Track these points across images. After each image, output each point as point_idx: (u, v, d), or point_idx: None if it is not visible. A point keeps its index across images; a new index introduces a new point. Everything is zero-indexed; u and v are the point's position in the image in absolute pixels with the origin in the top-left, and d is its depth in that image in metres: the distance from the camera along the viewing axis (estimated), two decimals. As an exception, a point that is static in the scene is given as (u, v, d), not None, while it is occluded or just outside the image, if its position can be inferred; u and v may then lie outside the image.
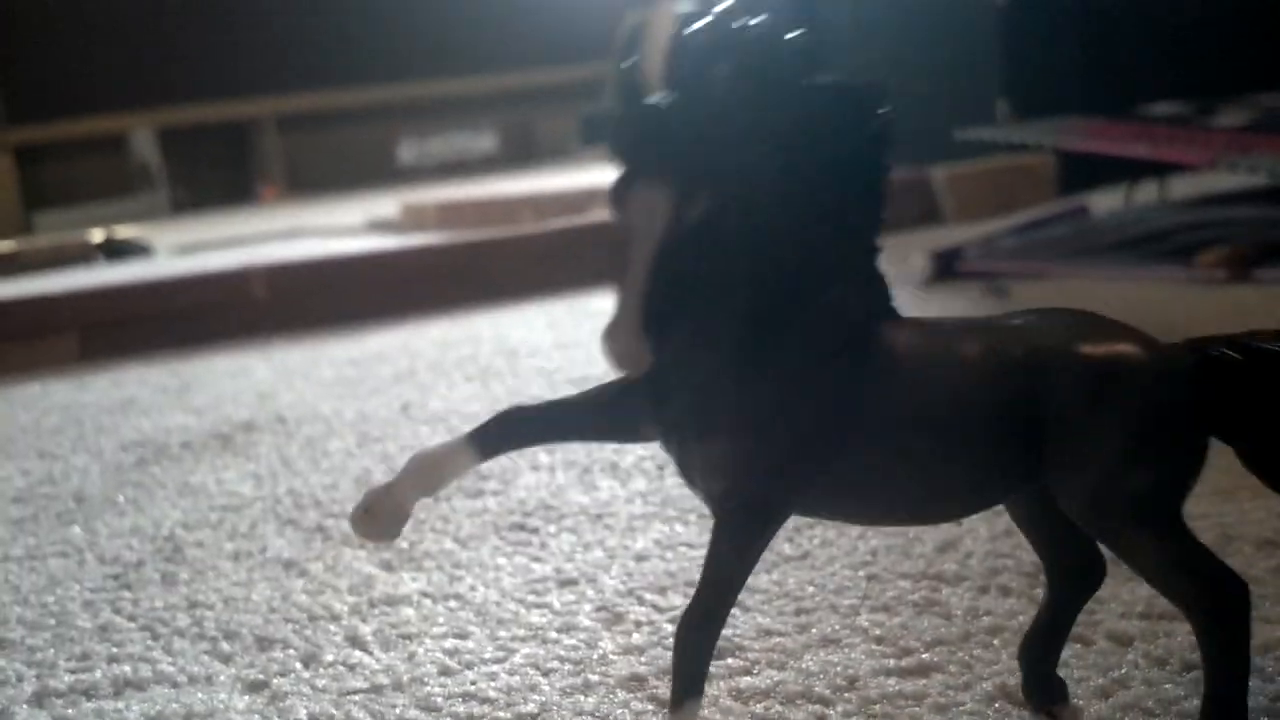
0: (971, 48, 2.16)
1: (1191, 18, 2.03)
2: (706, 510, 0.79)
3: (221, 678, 0.63)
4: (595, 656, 0.61)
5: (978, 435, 0.44)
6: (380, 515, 0.47)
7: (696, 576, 0.69)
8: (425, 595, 0.71)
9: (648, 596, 0.68)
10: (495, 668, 0.61)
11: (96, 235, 2.43)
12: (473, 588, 0.72)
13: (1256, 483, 0.73)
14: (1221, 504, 0.71)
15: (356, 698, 0.59)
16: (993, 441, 0.45)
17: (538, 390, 1.22)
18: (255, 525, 0.88)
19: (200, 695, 0.62)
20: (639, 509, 0.82)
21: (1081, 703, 0.52)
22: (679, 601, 0.66)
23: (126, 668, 0.65)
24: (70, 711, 0.61)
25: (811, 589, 0.66)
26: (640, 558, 0.74)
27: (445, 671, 0.61)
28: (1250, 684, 0.51)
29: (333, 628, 0.68)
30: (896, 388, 0.45)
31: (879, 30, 2.39)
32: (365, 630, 0.67)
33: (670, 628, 0.63)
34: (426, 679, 0.61)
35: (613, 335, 0.43)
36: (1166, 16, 2.04)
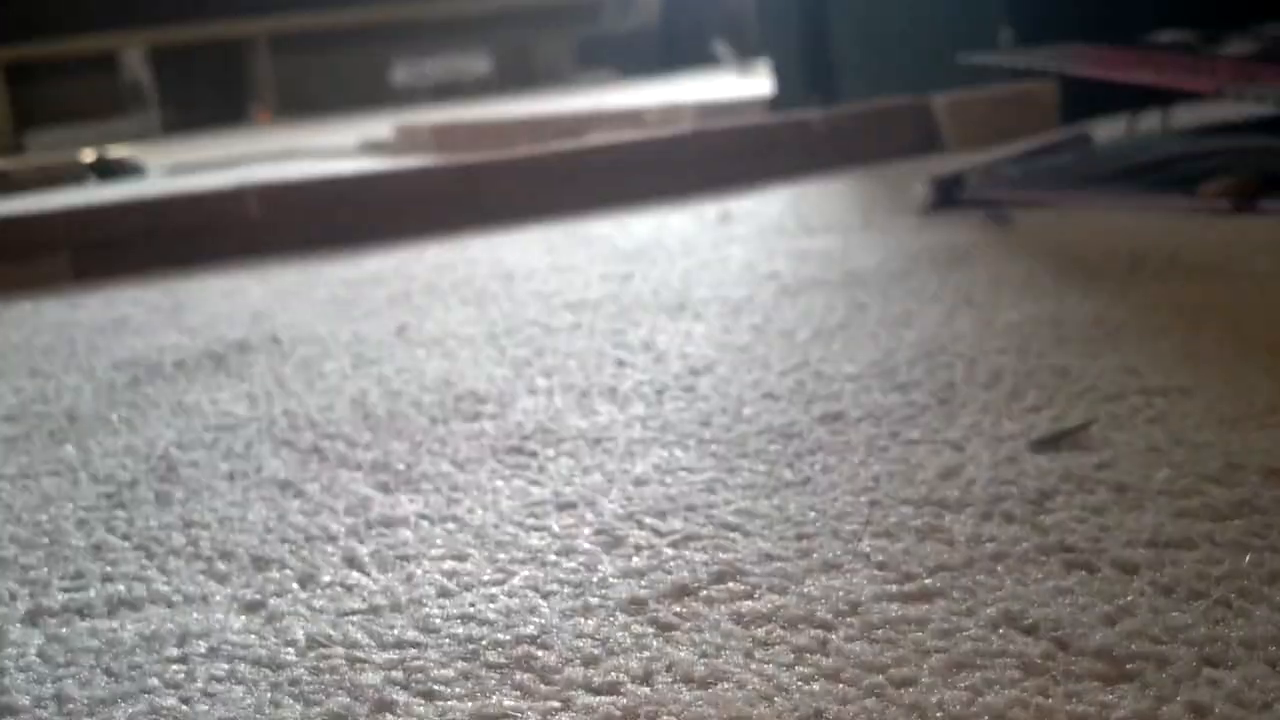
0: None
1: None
2: (705, 435, 0.79)
3: (217, 597, 0.63)
4: (595, 580, 0.61)
5: None
6: None
7: (696, 501, 0.68)
8: (423, 517, 0.71)
9: (647, 520, 0.67)
10: (494, 590, 0.61)
11: (88, 155, 2.41)
12: (471, 510, 0.71)
13: (1262, 410, 0.72)
14: (1227, 432, 0.70)
15: (354, 618, 0.59)
16: None
17: (534, 314, 1.20)
18: (250, 445, 0.87)
19: (196, 615, 0.61)
20: (637, 433, 0.82)
21: (1087, 630, 0.51)
22: (678, 525, 0.66)
23: (121, 587, 0.65)
24: (64, 630, 0.61)
25: (813, 514, 0.66)
26: (639, 482, 0.73)
27: (444, 593, 0.61)
28: (1259, 613, 0.51)
29: (329, 548, 0.68)
30: None
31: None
32: (362, 551, 0.67)
33: (670, 552, 0.62)
34: (425, 600, 0.60)
35: None
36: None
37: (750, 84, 3.51)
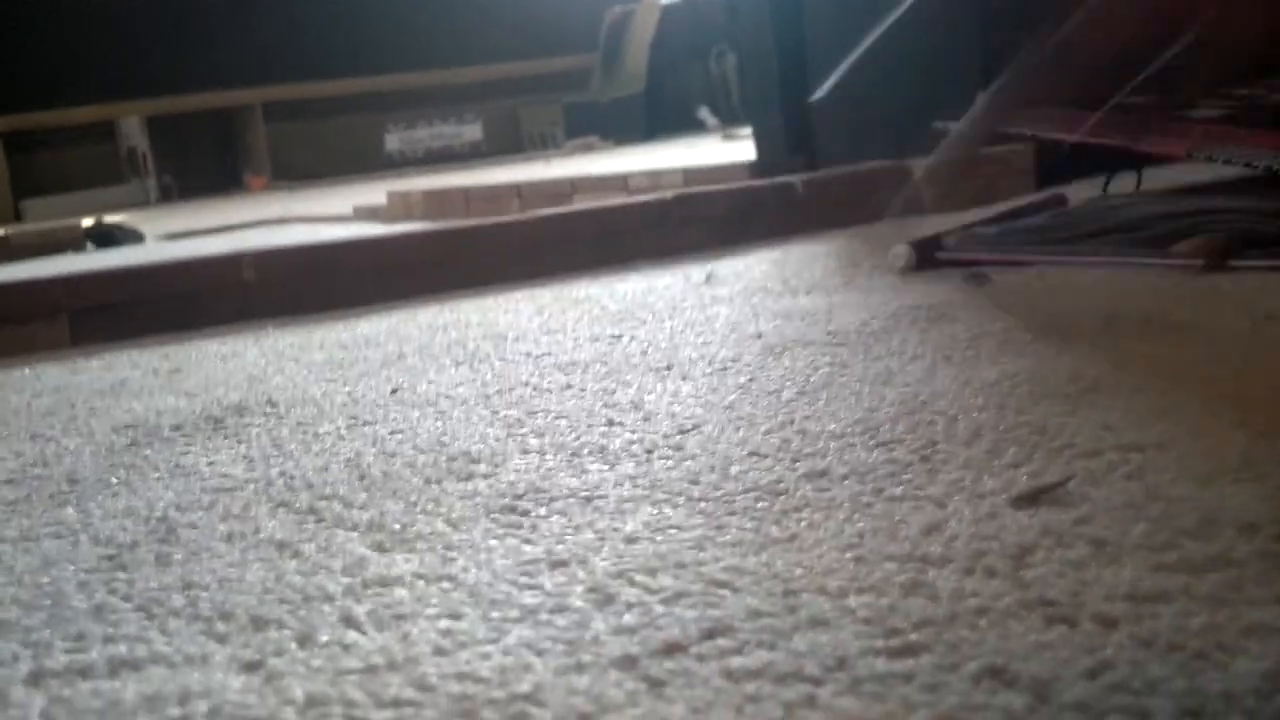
0: (954, 38, 2.17)
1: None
2: (694, 493, 0.80)
3: (217, 658, 0.64)
4: (587, 637, 0.62)
5: None
6: None
7: (685, 558, 0.70)
8: (418, 576, 0.72)
9: (638, 578, 0.69)
10: (489, 648, 0.62)
11: (86, 222, 2.43)
12: (465, 569, 0.73)
13: (1236, 465, 0.74)
14: (1200, 488, 0.72)
15: (352, 677, 0.60)
16: None
17: (525, 374, 1.22)
18: (248, 507, 0.89)
19: (196, 675, 0.62)
20: (628, 492, 0.83)
21: (1068, 684, 0.53)
22: (669, 583, 0.67)
23: (122, 648, 0.66)
24: (67, 692, 0.62)
25: (799, 571, 0.67)
26: (630, 540, 0.75)
27: (439, 652, 0.62)
28: (1237, 665, 0.52)
29: (327, 608, 0.69)
30: None
31: (864, 20, 2.40)
32: (359, 611, 0.68)
33: (660, 609, 0.64)
34: (421, 659, 0.61)
35: None
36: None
37: (734, 149, 3.56)
